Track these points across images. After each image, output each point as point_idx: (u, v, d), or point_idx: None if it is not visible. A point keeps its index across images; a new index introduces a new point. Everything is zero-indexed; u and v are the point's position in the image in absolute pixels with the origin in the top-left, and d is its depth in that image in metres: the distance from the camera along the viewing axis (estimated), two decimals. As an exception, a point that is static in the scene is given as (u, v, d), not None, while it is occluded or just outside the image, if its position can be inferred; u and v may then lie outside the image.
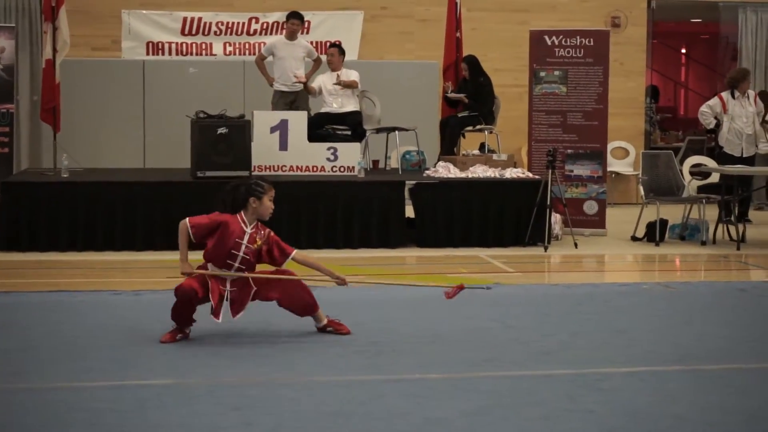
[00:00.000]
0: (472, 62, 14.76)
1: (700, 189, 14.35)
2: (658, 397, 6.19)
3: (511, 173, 13.38)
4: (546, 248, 12.68)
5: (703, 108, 15.50)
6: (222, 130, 12.67)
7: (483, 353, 7.29)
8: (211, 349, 7.30)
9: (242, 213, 7.61)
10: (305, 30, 17.05)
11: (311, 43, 16.08)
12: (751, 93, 15.72)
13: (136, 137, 16.88)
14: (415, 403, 6.00)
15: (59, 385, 6.32)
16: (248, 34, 17.85)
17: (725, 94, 15.48)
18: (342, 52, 14.82)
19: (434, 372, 6.73)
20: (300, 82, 14.45)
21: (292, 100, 14.75)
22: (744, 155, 15.29)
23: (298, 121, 13.52)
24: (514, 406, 5.98)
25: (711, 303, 9.43)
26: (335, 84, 14.30)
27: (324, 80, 14.57)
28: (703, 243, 13.40)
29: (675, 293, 9.95)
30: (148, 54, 17.64)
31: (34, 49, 17.23)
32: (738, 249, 12.95)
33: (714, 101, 15.51)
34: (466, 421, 5.71)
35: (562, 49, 14.30)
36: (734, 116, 15.39)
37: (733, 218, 13.47)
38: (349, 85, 14.33)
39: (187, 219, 7.55)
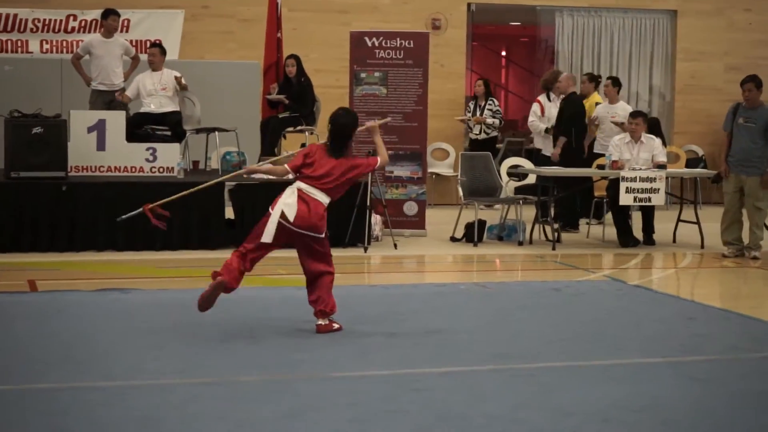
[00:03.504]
0: (299, 61, 14.76)
1: (518, 190, 14.60)
2: (471, 397, 6.27)
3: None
4: (366, 249, 12.74)
5: (531, 119, 15.82)
6: (37, 130, 12.39)
7: (297, 354, 7.27)
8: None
9: None
10: (125, 28, 16.84)
11: (130, 42, 15.85)
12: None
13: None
14: (229, 406, 5.96)
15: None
16: (66, 31, 17.48)
17: (542, 98, 15.80)
18: (163, 52, 14.66)
19: (250, 375, 6.69)
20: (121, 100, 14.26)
21: (111, 99, 14.53)
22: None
23: (116, 121, 13.32)
24: (327, 408, 5.98)
25: (526, 303, 9.58)
26: (183, 91, 14.16)
27: (143, 80, 14.38)
28: (520, 243, 13.65)
29: (491, 293, 10.10)
30: (-39, 51, 17.18)
31: None
32: (553, 249, 13.22)
33: (535, 106, 15.81)
34: (279, 424, 5.68)
35: (382, 51, 14.39)
36: (550, 118, 15.73)
37: (549, 219, 13.75)
38: (185, 87, 14.22)
39: None
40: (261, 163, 9.11)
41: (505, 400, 6.21)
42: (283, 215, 7.76)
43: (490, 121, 17.67)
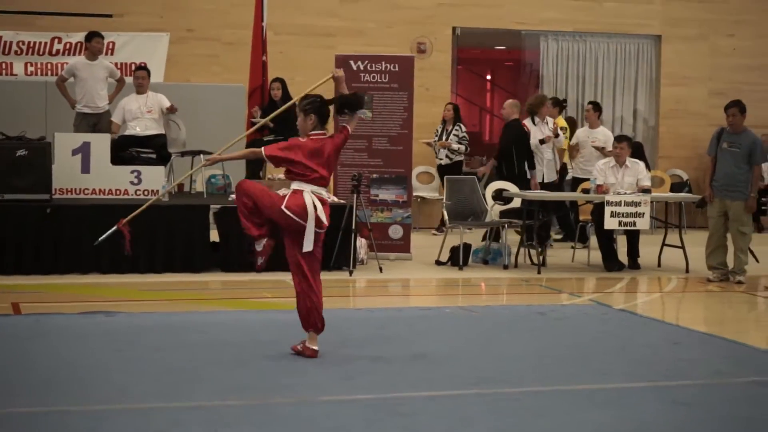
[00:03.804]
0: (284, 84, 14.74)
1: (503, 214, 14.61)
2: (455, 421, 6.25)
3: (316, 197, 13.37)
4: (351, 272, 12.72)
5: None
6: (21, 152, 12.36)
7: (281, 378, 7.24)
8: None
9: None
10: (110, 51, 16.84)
11: (115, 64, 15.84)
12: (550, 119, 16.13)
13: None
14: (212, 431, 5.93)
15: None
16: (50, 54, 17.47)
17: (527, 121, 15.82)
18: (150, 75, 14.64)
19: (233, 399, 6.66)
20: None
21: (95, 122, 14.52)
22: (545, 180, 15.65)
23: (100, 143, 13.29)
24: (311, 433, 5.96)
25: (511, 326, 9.58)
26: (169, 114, 14.17)
27: (128, 102, 14.37)
28: (505, 267, 13.64)
29: (477, 317, 10.08)
30: (-55, 72, 17.15)
31: None
32: (539, 273, 13.22)
33: (521, 130, 15.81)
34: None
35: (367, 74, 14.40)
36: (535, 142, 15.74)
37: (534, 242, 13.74)
38: (173, 110, 14.22)
39: None
40: (219, 151, 9.05)
41: (490, 425, 6.19)
42: (318, 222, 7.77)
43: (455, 146, 17.33)
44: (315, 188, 7.82)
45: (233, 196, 12.30)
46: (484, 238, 14.82)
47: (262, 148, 8.01)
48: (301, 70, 17.69)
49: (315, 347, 7.91)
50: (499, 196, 14.79)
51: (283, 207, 7.71)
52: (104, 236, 8.57)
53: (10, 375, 7.20)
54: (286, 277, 12.17)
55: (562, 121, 16.64)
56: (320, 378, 7.29)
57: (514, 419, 6.33)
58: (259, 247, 7.88)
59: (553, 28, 20.08)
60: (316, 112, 7.92)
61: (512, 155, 15.05)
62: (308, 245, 7.79)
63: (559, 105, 17.06)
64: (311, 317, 7.89)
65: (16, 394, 6.67)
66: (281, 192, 7.88)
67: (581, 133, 16.96)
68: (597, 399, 6.89)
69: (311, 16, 18.88)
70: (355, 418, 6.27)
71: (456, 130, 17.56)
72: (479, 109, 28.06)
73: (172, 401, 6.57)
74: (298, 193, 7.78)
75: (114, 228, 8.40)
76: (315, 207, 7.75)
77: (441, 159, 17.84)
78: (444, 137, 17.78)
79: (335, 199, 13.41)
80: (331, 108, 8.01)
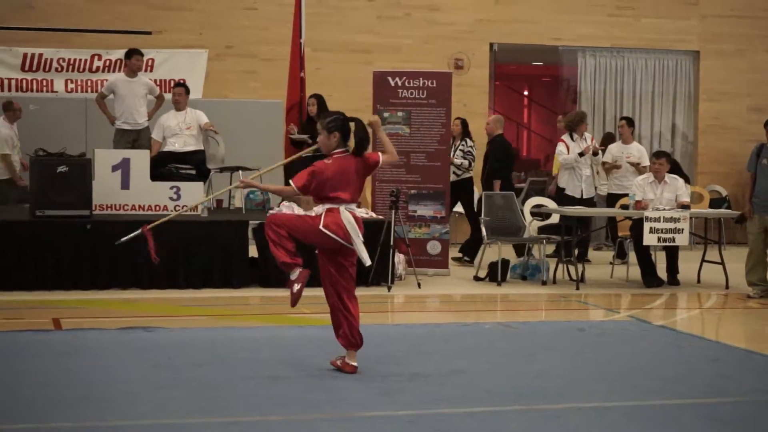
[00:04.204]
0: (321, 100, 14.81)
1: (541, 229, 14.58)
2: (495, 438, 6.25)
3: (355, 213, 13.39)
4: (389, 288, 12.73)
5: (561, 156, 15.68)
6: (62, 169, 12.44)
7: (319, 394, 7.24)
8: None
9: None
10: (149, 68, 16.95)
11: (154, 81, 15.94)
12: (588, 135, 16.09)
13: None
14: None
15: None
16: (90, 71, 17.62)
17: (566, 138, 15.79)
18: (188, 91, 14.72)
19: (272, 414, 6.67)
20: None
21: (135, 138, 14.61)
22: (584, 196, 15.62)
23: (140, 159, 13.35)
24: (351, 449, 5.97)
25: (550, 343, 9.55)
26: (207, 131, 14.21)
27: (167, 119, 14.44)
28: (544, 283, 13.61)
29: (515, 333, 10.06)
30: (-13, 90, 17.30)
31: None
32: (577, 289, 13.18)
33: (561, 146, 15.77)
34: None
35: (405, 90, 14.42)
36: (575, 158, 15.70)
37: (572, 258, 13.69)
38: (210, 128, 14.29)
39: None
40: (253, 176, 9.08)
41: (530, 441, 6.18)
42: (348, 238, 7.84)
43: (458, 162, 16.64)
44: (347, 206, 7.84)
45: (271, 211, 12.38)
46: (520, 254, 14.81)
47: (291, 182, 7.99)
48: (339, 86, 17.74)
49: (354, 363, 7.92)
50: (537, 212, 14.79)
51: (321, 227, 7.73)
52: (127, 237, 8.65)
53: (51, 390, 7.24)
54: (321, 292, 12.26)
55: None
56: (359, 394, 7.30)
57: (553, 436, 6.32)
58: (294, 276, 7.86)
59: (591, 44, 20.03)
60: (340, 129, 7.94)
61: (500, 170, 15.10)
62: (366, 259, 7.90)
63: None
64: (352, 335, 7.91)
65: (57, 408, 6.71)
66: (314, 211, 7.89)
67: (614, 148, 16.91)
68: (636, 416, 6.86)
69: (349, 33, 18.92)
70: (394, 434, 6.28)
71: (462, 144, 17.01)
72: (516, 125, 28.01)
73: (211, 416, 6.59)
74: (333, 211, 7.80)
75: (138, 231, 8.46)
76: (350, 223, 7.77)
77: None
78: (452, 152, 17.49)
79: (373, 214, 13.43)
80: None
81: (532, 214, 15.04)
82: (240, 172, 14.37)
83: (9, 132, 15.51)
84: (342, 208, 7.81)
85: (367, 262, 7.91)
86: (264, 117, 17.16)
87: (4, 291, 11.80)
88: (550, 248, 14.84)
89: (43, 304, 11.28)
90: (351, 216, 7.81)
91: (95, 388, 7.33)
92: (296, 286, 7.85)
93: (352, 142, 8.03)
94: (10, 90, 17.36)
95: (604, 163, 16.72)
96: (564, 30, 19.89)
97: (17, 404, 6.78)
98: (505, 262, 13.80)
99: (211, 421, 6.48)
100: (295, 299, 7.91)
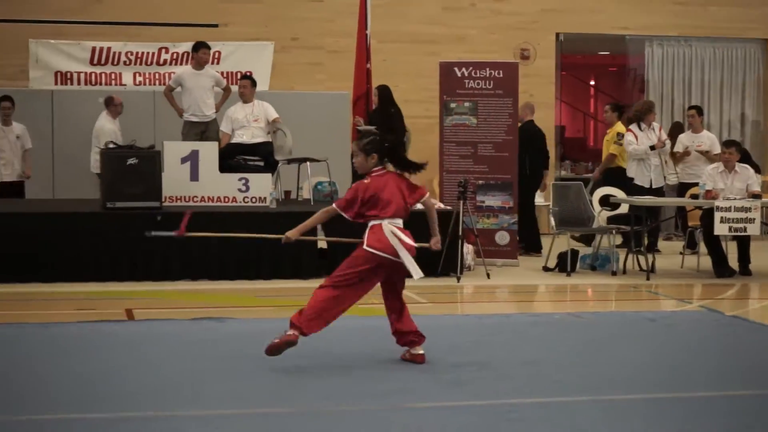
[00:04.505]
0: (384, 92, 14.80)
1: (610, 220, 14.49)
2: (567, 429, 6.18)
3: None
4: (459, 279, 12.72)
5: (630, 147, 15.57)
6: (132, 161, 12.55)
7: (388, 384, 7.24)
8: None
9: None
10: (216, 60, 17.04)
11: (221, 73, 16.03)
12: (656, 125, 15.97)
13: (45, 168, 16.59)
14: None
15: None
16: (158, 64, 17.76)
17: (633, 127, 15.68)
18: (254, 84, 14.80)
19: (342, 405, 6.67)
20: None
21: (203, 130, 14.70)
22: (653, 186, 15.51)
23: (208, 151, 13.44)
24: (423, 439, 5.96)
25: (621, 333, 9.48)
26: (274, 123, 14.25)
27: (235, 111, 14.53)
28: (614, 273, 13.53)
29: (586, 323, 10.00)
30: (56, 84, 17.48)
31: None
32: (647, 279, 13.09)
33: (629, 136, 15.66)
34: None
35: (471, 81, 14.38)
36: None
37: (642, 248, 13.60)
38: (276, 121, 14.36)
39: None
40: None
41: (605, 432, 6.14)
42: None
43: None
44: (390, 220, 7.81)
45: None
46: (588, 244, 14.73)
47: (334, 204, 7.96)
48: (404, 78, 17.74)
49: (422, 352, 7.91)
50: (606, 201, 14.69)
51: (365, 246, 7.70)
52: (160, 233, 8.72)
53: (124, 379, 7.30)
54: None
55: (620, 127, 16.36)
56: (428, 384, 7.28)
57: (627, 427, 6.25)
58: (288, 333, 7.64)
59: (658, 32, 19.88)
60: (377, 150, 7.92)
61: (525, 157, 14.97)
62: (416, 272, 7.78)
63: (618, 110, 16.77)
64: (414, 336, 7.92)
65: (127, 399, 6.75)
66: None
67: (685, 138, 16.78)
68: (713, 406, 6.79)
69: (414, 24, 18.90)
70: (464, 424, 6.25)
71: None
72: (583, 114, 27.84)
73: (284, 407, 6.60)
74: (374, 228, 7.77)
75: (173, 233, 8.51)
76: (395, 235, 7.71)
77: None
78: None
79: (441, 205, 13.41)
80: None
81: (601, 204, 14.95)
82: (308, 163, 14.42)
83: (112, 127, 15.65)
84: (385, 222, 7.77)
85: (417, 275, 7.83)
86: (330, 108, 17.17)
87: (78, 282, 11.93)
88: (619, 239, 14.73)
89: (115, 295, 11.38)
90: (395, 228, 7.75)
91: (168, 378, 7.37)
92: (276, 340, 7.63)
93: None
94: (79, 83, 17.54)
95: (675, 153, 16.59)
96: (629, 20, 19.75)
97: (93, 395, 6.84)
98: (575, 253, 13.73)
99: (284, 411, 6.50)
100: (271, 348, 7.64)
